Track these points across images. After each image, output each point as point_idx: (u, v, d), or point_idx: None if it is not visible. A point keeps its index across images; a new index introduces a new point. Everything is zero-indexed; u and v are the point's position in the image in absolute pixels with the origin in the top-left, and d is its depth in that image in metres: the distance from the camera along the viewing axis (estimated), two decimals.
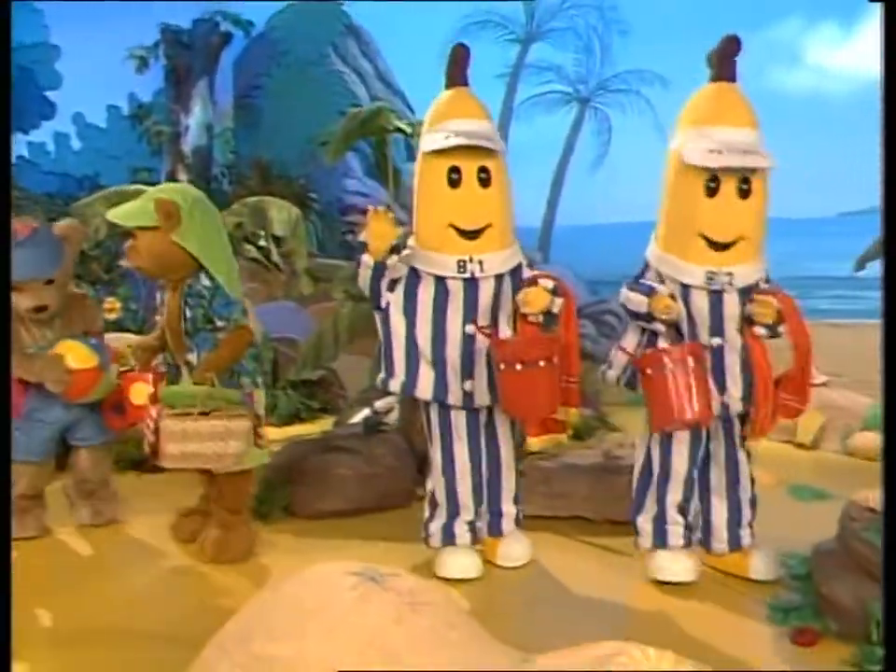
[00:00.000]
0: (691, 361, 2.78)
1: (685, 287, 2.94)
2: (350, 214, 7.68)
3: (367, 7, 8.39)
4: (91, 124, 9.09)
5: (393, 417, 4.18)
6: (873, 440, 4.60)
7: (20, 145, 8.94)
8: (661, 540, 3.02)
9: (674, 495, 3.02)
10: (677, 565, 2.99)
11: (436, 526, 3.12)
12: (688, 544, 3.06)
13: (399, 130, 6.26)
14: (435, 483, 3.13)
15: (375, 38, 8.97)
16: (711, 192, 2.91)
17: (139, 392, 3.10)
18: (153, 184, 6.83)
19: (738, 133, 2.90)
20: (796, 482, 4.06)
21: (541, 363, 2.78)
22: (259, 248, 3.63)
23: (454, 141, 2.88)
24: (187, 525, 3.34)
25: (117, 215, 3.21)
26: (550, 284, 2.94)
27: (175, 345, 3.19)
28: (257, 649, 1.69)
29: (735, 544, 3.05)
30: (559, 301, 2.95)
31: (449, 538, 3.09)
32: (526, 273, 3.04)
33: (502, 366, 2.82)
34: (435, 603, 1.80)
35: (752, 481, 3.10)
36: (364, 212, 3.09)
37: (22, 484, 3.43)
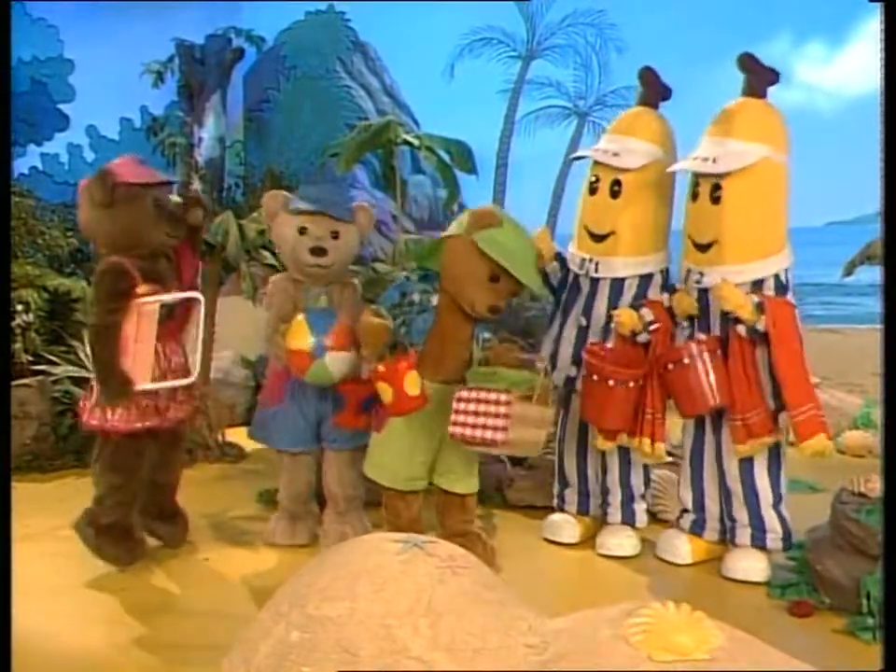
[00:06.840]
0: (706, 355, 2.86)
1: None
2: None
3: (373, 23, 8.61)
4: (103, 136, 9.13)
5: None
6: (862, 438, 4.76)
7: (34, 156, 9.06)
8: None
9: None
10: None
11: (555, 492, 3.45)
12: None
13: (407, 142, 6.42)
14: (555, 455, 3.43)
15: (381, 54, 9.18)
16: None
17: (413, 382, 2.79)
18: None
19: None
20: (791, 476, 4.21)
21: (630, 384, 2.92)
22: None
23: (583, 153, 3.29)
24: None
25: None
26: (649, 316, 3.05)
27: None
28: (311, 610, 1.79)
29: (724, 536, 3.14)
30: (646, 336, 3.05)
31: (561, 503, 3.42)
32: (651, 294, 3.14)
33: (594, 377, 2.96)
34: (472, 567, 1.90)
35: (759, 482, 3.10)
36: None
37: (288, 482, 3.26)
